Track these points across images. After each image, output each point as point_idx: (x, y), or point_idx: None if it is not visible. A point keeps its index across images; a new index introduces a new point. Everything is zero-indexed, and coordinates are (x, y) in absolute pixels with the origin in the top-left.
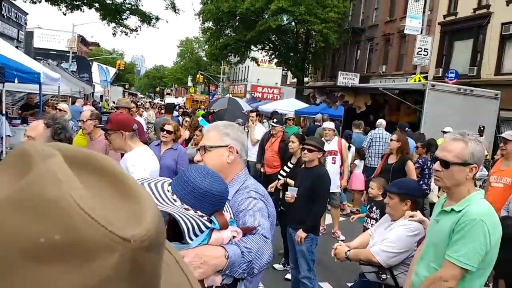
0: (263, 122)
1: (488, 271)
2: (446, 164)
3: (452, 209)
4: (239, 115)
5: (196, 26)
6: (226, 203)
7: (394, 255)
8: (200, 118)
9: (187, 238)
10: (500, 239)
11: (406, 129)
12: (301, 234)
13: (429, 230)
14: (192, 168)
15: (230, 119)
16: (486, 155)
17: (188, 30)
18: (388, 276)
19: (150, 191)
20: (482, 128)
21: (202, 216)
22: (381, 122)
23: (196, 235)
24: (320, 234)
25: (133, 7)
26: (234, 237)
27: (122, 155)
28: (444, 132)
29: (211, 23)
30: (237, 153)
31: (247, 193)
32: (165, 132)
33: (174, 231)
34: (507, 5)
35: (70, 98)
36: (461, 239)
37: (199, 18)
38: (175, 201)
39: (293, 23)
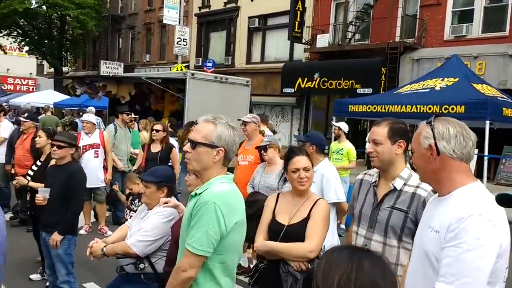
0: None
1: (227, 256)
2: (193, 144)
3: (196, 193)
4: None
5: None
6: None
7: (150, 243)
8: None
9: None
10: (244, 221)
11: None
12: (56, 237)
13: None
14: None
15: None
16: None
17: None
18: (146, 265)
19: None
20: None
21: None
22: (91, 109)
23: None
24: (86, 232)
25: None
26: None
27: None
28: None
29: None
30: None
31: None
32: None
33: None
34: (252, 0)
35: None
36: (196, 224)
37: None
38: None
39: (44, 7)
